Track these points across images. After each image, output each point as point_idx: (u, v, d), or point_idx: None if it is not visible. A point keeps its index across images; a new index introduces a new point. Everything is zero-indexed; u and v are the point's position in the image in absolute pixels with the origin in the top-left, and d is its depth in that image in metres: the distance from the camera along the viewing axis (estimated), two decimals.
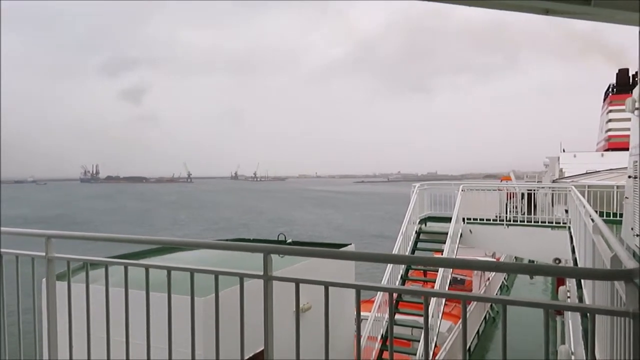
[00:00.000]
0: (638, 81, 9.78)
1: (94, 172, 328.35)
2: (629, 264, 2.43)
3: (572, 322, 7.94)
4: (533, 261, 19.47)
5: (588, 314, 2.35)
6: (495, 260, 22.64)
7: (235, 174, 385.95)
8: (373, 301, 11.81)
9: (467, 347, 13.87)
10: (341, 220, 70.30)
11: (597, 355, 2.49)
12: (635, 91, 9.21)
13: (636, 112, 8.95)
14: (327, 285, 2.89)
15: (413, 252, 14.24)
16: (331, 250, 3.43)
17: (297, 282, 2.96)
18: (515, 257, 21.71)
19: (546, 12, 4.67)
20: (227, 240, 10.62)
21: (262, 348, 3.15)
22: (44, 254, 3.76)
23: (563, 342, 9.20)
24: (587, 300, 5.83)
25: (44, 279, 4.21)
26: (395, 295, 9.21)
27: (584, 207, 7.36)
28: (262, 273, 3.05)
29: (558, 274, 5.25)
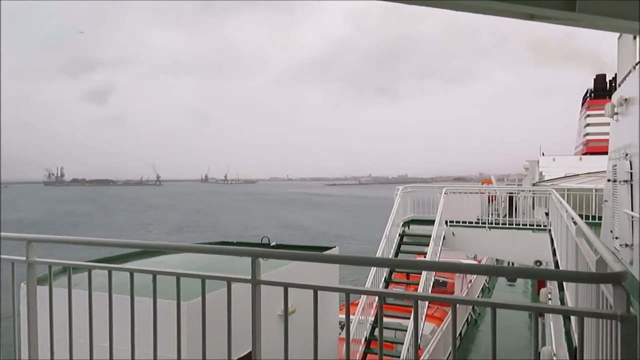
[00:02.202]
0: (616, 86, 9.97)
1: (59, 174, 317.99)
2: (616, 267, 2.45)
3: (554, 324, 8.04)
4: (513, 263, 19.77)
5: (572, 317, 2.37)
6: (477, 262, 22.85)
7: (206, 177, 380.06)
8: (356, 304, 11.81)
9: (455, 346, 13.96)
10: (311, 222, 70.30)
11: (584, 357, 2.52)
12: (615, 96, 9.39)
13: (615, 116, 9.12)
14: (315, 289, 2.87)
15: (396, 254, 14.31)
16: (318, 254, 3.42)
17: (286, 286, 2.94)
18: (496, 260, 21.97)
19: (531, 17, 4.73)
20: (210, 243, 10.51)
21: (247, 351, 3.12)
22: (24, 258, 3.67)
23: (544, 344, 9.31)
24: (570, 302, 5.91)
25: (22, 283, 4.11)
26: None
27: (566, 210, 7.46)
28: (249, 277, 3.02)
29: (546, 277, 5.30)
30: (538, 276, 3.28)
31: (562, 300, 7.06)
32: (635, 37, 8.86)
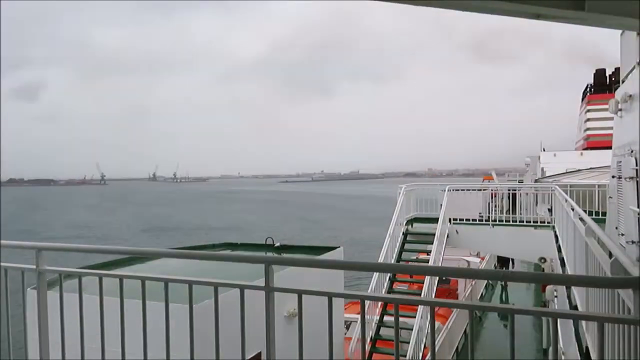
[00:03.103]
0: (620, 82, 9.94)
1: None
2: (634, 270, 2.44)
3: (561, 322, 8.02)
4: (513, 260, 19.70)
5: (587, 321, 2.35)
6: (480, 259, 22.81)
7: (154, 175, 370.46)
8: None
9: (456, 347, 13.78)
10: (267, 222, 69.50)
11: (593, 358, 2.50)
12: (618, 92, 9.36)
13: (619, 113, 9.10)
14: (330, 296, 2.86)
15: (400, 253, 14.29)
16: (332, 260, 3.42)
17: (300, 293, 2.92)
18: (497, 257, 21.95)
19: (537, 17, 4.70)
20: (214, 245, 10.50)
21: (252, 354, 3.11)
22: (34, 266, 3.66)
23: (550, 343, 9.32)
24: (578, 301, 5.90)
25: (28, 289, 4.11)
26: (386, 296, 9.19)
27: (573, 208, 7.44)
28: (262, 283, 3.00)
29: (565, 282, 5.26)
30: (555, 281, 3.22)
31: (570, 298, 7.05)
32: (638, 34, 8.82)
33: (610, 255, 3.29)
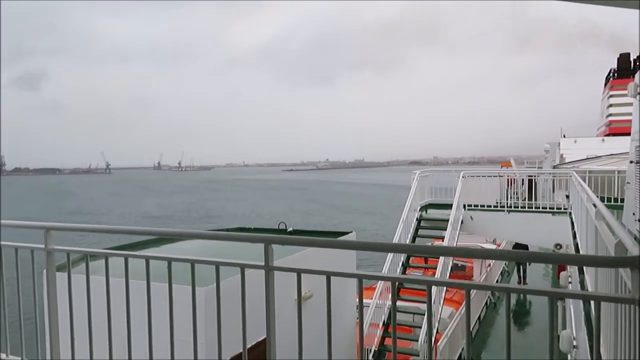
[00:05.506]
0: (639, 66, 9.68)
1: (0, 163, 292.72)
2: (634, 250, 2.40)
3: (574, 307, 7.94)
4: (528, 247, 19.58)
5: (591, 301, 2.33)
6: (496, 246, 22.65)
7: (158, 164, 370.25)
8: (375, 288, 11.83)
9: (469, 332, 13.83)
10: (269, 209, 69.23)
11: (602, 341, 2.48)
12: (637, 76, 9.13)
13: (638, 97, 8.88)
14: (328, 275, 2.88)
15: (414, 239, 14.25)
16: (331, 240, 3.42)
17: (299, 272, 2.94)
18: (515, 243, 21.72)
19: None
20: (226, 229, 10.60)
21: (263, 337, 3.15)
22: (43, 246, 3.74)
23: (564, 327, 9.23)
24: (589, 286, 5.83)
25: (43, 271, 4.21)
26: (397, 283, 9.19)
27: (586, 193, 7.32)
28: (263, 263, 3.03)
29: (563, 261, 5.22)
30: (554, 261, 3.21)
31: (582, 284, 6.96)
32: None
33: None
